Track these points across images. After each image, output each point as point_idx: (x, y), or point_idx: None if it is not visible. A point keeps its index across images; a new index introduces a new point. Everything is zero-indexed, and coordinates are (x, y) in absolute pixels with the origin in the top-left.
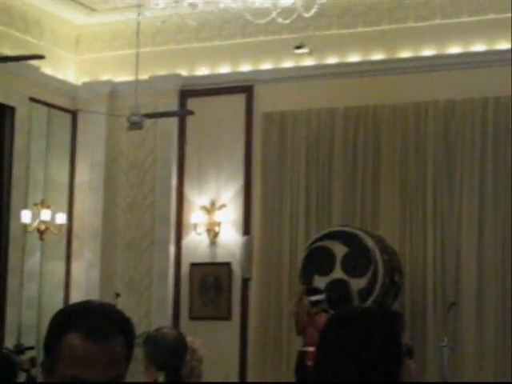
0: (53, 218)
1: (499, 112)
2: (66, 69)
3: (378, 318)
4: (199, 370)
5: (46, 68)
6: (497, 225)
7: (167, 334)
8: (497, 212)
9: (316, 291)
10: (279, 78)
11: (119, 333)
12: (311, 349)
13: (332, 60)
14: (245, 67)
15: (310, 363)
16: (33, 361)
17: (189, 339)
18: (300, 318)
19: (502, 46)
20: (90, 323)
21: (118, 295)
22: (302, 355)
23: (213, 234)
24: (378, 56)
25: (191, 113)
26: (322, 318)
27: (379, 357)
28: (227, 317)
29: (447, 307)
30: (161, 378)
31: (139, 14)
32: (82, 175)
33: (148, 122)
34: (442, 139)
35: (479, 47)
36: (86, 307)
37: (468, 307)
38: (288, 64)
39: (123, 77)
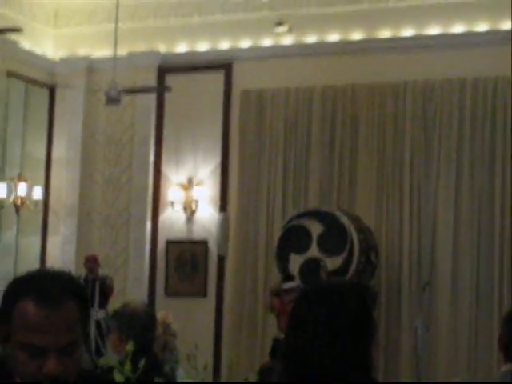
0: (29, 192)
1: (477, 92)
2: (44, 43)
3: (349, 292)
4: (173, 343)
5: (24, 42)
6: (473, 205)
7: (136, 307)
8: (473, 192)
9: (288, 278)
10: (258, 55)
11: (71, 297)
12: None
13: (311, 39)
14: (224, 44)
15: None
16: None
17: (162, 314)
18: (273, 302)
19: (481, 27)
20: (41, 289)
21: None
22: (276, 342)
23: (189, 211)
24: (357, 35)
25: (169, 89)
26: None
27: (351, 331)
28: (203, 294)
29: (422, 287)
30: (129, 346)
31: None
32: (59, 150)
33: (126, 98)
34: (420, 119)
35: (458, 28)
36: (37, 274)
37: (443, 287)
38: (267, 42)
39: (101, 52)
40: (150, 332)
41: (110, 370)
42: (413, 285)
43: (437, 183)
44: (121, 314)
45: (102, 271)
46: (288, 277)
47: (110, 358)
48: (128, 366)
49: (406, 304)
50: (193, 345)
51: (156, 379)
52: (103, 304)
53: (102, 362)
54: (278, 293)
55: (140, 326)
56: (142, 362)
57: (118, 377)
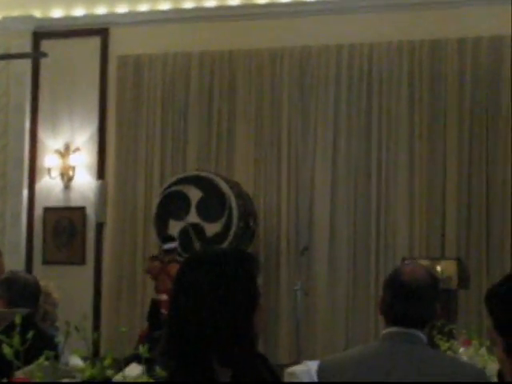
0: None
1: (353, 58)
2: None
3: (233, 259)
4: (53, 313)
5: None
6: (350, 170)
7: (22, 277)
8: (350, 157)
9: (169, 239)
10: (135, 21)
11: None
12: (164, 297)
13: (188, 4)
14: (100, 9)
15: (164, 311)
16: None
17: (42, 283)
18: (152, 266)
19: None
20: None
21: None
22: (155, 303)
23: (67, 178)
24: (234, 1)
25: (45, 55)
26: (175, 267)
27: (234, 298)
28: (81, 261)
29: (301, 251)
30: (17, 319)
31: None
32: None
33: (0, 64)
34: (298, 85)
35: None
36: None
37: (321, 251)
38: (144, 7)
39: None
40: (35, 301)
41: None
42: (291, 249)
43: (314, 149)
44: (11, 282)
45: None
46: (168, 237)
47: None
48: (17, 339)
49: (285, 268)
50: (82, 315)
51: (46, 352)
52: None
53: None
54: (154, 257)
55: (28, 296)
56: (30, 334)
57: (6, 350)
